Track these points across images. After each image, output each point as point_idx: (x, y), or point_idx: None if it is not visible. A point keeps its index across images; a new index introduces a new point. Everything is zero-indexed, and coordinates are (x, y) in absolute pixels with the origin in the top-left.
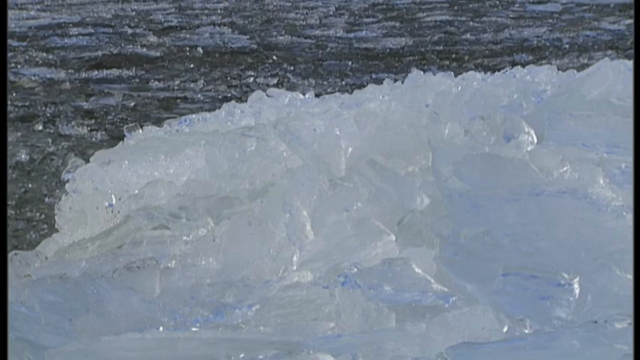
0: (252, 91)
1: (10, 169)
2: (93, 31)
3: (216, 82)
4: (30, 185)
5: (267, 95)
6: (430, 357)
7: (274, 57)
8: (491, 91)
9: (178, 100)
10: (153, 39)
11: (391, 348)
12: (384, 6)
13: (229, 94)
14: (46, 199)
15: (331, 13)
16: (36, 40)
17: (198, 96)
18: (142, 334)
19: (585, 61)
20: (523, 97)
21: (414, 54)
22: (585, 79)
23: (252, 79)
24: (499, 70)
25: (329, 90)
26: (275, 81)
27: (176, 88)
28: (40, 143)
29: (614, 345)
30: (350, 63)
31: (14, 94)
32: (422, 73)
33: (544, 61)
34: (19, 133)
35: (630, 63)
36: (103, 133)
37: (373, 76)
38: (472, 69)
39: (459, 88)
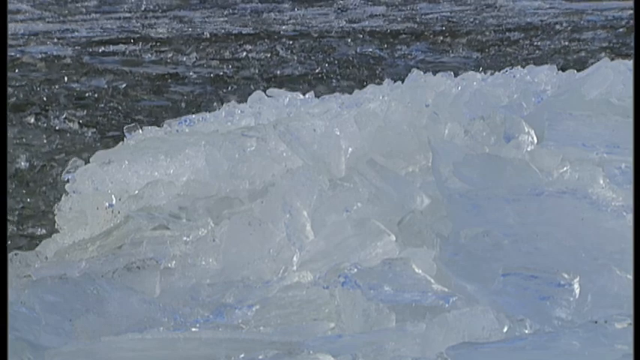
0: (244, 67)
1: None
2: (102, 30)
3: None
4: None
5: (267, 95)
6: (430, 357)
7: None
8: (491, 91)
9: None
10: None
11: (391, 348)
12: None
13: (221, 72)
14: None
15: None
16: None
17: (190, 73)
18: (142, 334)
19: (575, 45)
20: (523, 97)
21: (410, 32)
22: (585, 79)
23: (244, 53)
24: (491, 47)
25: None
26: (268, 55)
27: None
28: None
29: (614, 345)
30: (349, 40)
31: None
32: (422, 73)
33: (536, 39)
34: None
35: (630, 63)
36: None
37: (359, 50)
38: (463, 44)
39: (459, 88)
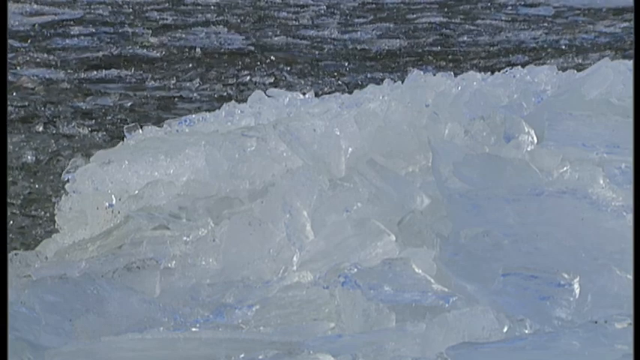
0: (248, 89)
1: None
2: (94, 30)
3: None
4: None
5: (267, 95)
6: (430, 357)
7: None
8: (491, 91)
9: (175, 99)
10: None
11: (391, 348)
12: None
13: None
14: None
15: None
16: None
17: (195, 95)
18: (142, 334)
19: (580, 60)
20: (523, 97)
21: (411, 54)
22: (585, 79)
23: (248, 77)
24: (498, 71)
25: (326, 90)
26: (271, 80)
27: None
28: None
29: (614, 345)
30: (346, 64)
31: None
32: (422, 73)
33: (540, 61)
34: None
35: (630, 63)
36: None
37: (369, 75)
38: (468, 69)
39: (459, 88)
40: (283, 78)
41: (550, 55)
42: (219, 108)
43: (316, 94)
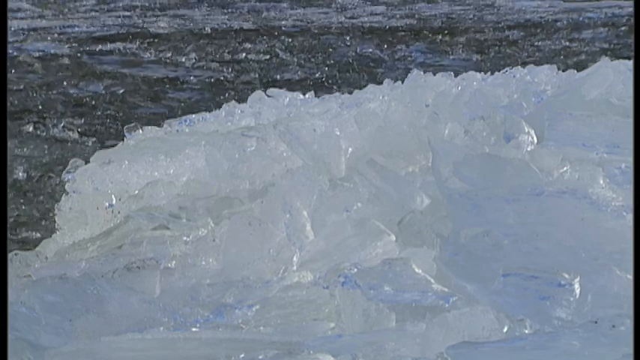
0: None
1: None
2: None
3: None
4: None
5: (267, 95)
6: (430, 357)
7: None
8: (491, 91)
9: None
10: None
11: (391, 348)
12: None
13: (221, 77)
14: None
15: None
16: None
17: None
18: (142, 334)
19: (574, 38)
20: (523, 97)
21: (408, 30)
22: (585, 79)
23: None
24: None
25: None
26: (267, 57)
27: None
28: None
29: (614, 345)
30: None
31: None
32: (422, 73)
33: (534, 38)
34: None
35: (630, 63)
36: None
37: (358, 49)
38: (462, 44)
39: (459, 88)
40: (277, 54)
41: (544, 30)
42: (218, 108)
43: (316, 95)
